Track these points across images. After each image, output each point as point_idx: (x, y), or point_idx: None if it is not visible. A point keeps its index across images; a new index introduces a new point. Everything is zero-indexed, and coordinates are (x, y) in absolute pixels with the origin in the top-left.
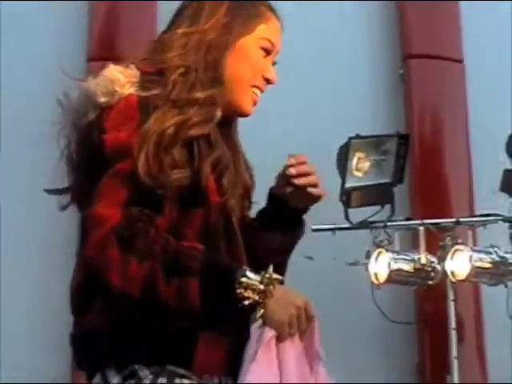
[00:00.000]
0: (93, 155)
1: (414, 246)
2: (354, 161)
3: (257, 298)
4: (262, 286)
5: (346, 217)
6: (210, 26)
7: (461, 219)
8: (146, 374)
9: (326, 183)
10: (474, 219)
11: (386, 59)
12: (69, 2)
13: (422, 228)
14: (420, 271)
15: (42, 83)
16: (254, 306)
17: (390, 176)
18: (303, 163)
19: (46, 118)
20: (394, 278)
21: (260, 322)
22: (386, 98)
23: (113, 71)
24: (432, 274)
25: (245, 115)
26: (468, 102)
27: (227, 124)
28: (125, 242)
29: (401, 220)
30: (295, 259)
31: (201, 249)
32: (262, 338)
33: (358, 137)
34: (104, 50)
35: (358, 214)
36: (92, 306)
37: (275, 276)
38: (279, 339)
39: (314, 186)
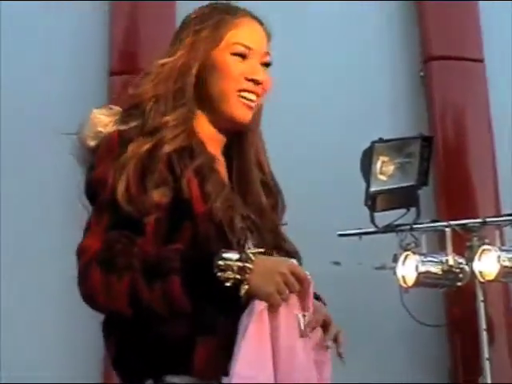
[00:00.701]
0: (88, 197)
1: (441, 248)
2: (378, 164)
3: (238, 276)
4: (240, 264)
5: (372, 221)
6: (180, 51)
7: (487, 219)
8: None
9: (350, 188)
10: (501, 218)
11: (407, 62)
12: (89, 17)
13: (448, 229)
14: (448, 273)
15: (62, 98)
16: (237, 284)
17: (414, 178)
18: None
19: (66, 130)
20: (422, 280)
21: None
22: (407, 100)
23: (96, 114)
24: (460, 275)
25: (241, 122)
26: (490, 102)
27: (236, 137)
28: (105, 264)
29: (427, 222)
30: (322, 265)
31: (178, 248)
32: (252, 311)
33: (381, 140)
34: (125, 64)
35: (384, 217)
36: (109, 336)
37: (253, 250)
38: (272, 309)
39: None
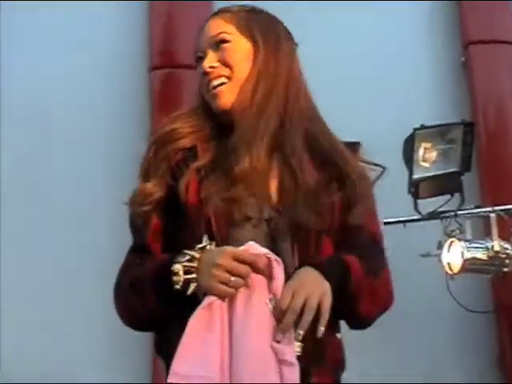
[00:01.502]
0: None
1: (487, 234)
2: (421, 151)
3: (187, 276)
4: (186, 264)
5: (416, 208)
6: None
7: None
8: None
9: (392, 175)
10: None
11: (448, 47)
12: (128, 13)
13: (493, 215)
14: (494, 259)
15: (105, 95)
16: (187, 284)
17: (457, 164)
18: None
19: (110, 129)
20: (468, 267)
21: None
22: (449, 86)
23: None
24: (506, 260)
25: (219, 109)
26: None
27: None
28: (115, 289)
29: (471, 208)
30: None
31: (155, 260)
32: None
33: (422, 127)
34: (165, 59)
35: (428, 204)
36: None
37: (199, 246)
38: (223, 298)
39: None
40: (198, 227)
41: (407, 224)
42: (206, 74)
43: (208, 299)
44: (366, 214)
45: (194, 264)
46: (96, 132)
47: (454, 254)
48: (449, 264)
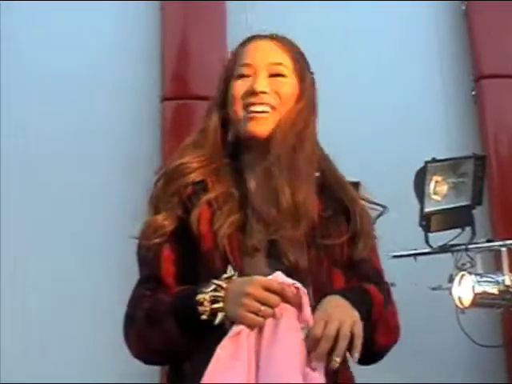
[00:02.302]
0: None
1: (497, 268)
2: (432, 185)
3: (215, 306)
4: (212, 293)
5: (427, 241)
6: (217, 88)
7: None
8: None
9: (404, 208)
10: None
11: (458, 81)
12: (142, 43)
13: (504, 249)
14: (505, 293)
15: (119, 125)
16: (214, 314)
17: (468, 198)
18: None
19: (123, 156)
20: (479, 301)
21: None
22: (460, 120)
23: None
24: None
25: (251, 134)
26: None
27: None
28: (125, 320)
29: (482, 242)
30: None
31: (172, 292)
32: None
33: (434, 160)
34: (177, 90)
35: (439, 237)
36: None
37: (225, 276)
38: (252, 327)
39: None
40: (212, 258)
41: (418, 257)
42: (253, 94)
43: (236, 328)
44: (369, 251)
45: (221, 294)
46: (107, 163)
47: (465, 288)
48: (459, 298)
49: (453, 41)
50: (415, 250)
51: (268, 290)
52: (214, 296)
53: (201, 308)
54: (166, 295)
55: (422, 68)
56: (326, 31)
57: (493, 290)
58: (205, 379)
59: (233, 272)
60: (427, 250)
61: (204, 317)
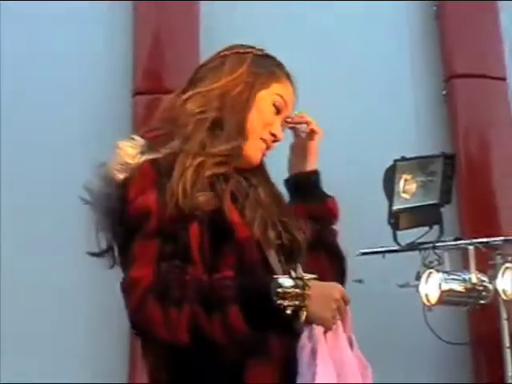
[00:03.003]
0: (123, 228)
1: (465, 266)
2: (401, 183)
3: (297, 302)
4: (298, 290)
5: (395, 239)
6: (232, 81)
7: (510, 237)
8: None
9: (373, 206)
10: None
11: (429, 81)
12: (114, 38)
13: (471, 247)
14: (471, 291)
15: (90, 120)
16: (296, 311)
17: (437, 197)
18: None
19: (96, 156)
20: (446, 298)
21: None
22: (430, 119)
23: (122, 147)
24: (483, 293)
25: (252, 162)
26: None
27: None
28: (161, 297)
29: (450, 240)
30: (346, 283)
31: (231, 276)
32: (313, 335)
33: (403, 159)
34: (150, 84)
35: (407, 235)
36: (148, 362)
37: (308, 276)
38: (326, 331)
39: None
40: (249, 246)
41: (386, 255)
42: (275, 138)
43: (320, 329)
44: None
45: (308, 292)
46: (79, 157)
47: (432, 286)
48: (426, 295)
49: (424, 41)
50: (383, 247)
51: (345, 299)
52: (294, 292)
53: (282, 302)
54: (222, 279)
55: (393, 67)
56: (296, 32)
57: (459, 287)
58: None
59: (302, 273)
60: (395, 247)
61: (288, 311)
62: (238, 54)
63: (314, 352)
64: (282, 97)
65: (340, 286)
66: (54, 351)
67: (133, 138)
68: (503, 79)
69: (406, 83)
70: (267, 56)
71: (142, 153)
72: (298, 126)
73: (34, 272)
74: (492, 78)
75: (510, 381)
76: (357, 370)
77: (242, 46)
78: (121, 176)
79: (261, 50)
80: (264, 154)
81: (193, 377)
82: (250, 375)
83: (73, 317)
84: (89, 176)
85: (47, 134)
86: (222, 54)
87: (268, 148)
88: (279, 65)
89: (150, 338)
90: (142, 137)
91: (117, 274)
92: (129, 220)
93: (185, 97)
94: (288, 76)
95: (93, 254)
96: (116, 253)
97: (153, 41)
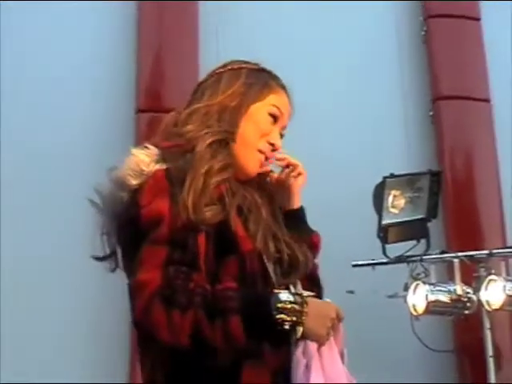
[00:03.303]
0: (132, 232)
1: (450, 278)
2: (390, 198)
3: (295, 318)
4: (297, 307)
5: (384, 252)
6: (229, 96)
7: (494, 251)
8: None
9: (363, 221)
10: (507, 250)
11: (418, 102)
12: (117, 57)
13: (456, 260)
14: (456, 302)
15: (93, 136)
16: (293, 326)
17: (424, 212)
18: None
19: (97, 167)
20: (432, 309)
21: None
22: (418, 138)
23: (137, 154)
24: (468, 304)
25: (250, 173)
26: (497, 139)
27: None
28: (167, 300)
29: (436, 253)
30: (338, 294)
31: (235, 287)
32: (307, 350)
33: (392, 176)
34: (151, 102)
35: (396, 248)
36: (146, 363)
37: (306, 293)
38: (319, 347)
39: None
40: (251, 259)
41: (376, 266)
42: (273, 147)
43: (314, 345)
44: None
45: (305, 309)
46: (81, 173)
47: (419, 296)
48: (414, 305)
49: (413, 64)
50: (373, 260)
51: (339, 317)
52: (293, 308)
53: (281, 316)
54: (226, 290)
55: (385, 89)
56: (291, 49)
57: (445, 298)
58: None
59: (300, 290)
60: (384, 260)
61: (286, 327)
62: (233, 70)
63: (308, 367)
64: (277, 107)
65: (334, 305)
66: (54, 351)
67: (147, 147)
68: (487, 101)
69: (396, 104)
70: (262, 70)
71: (156, 161)
72: (286, 169)
73: (34, 272)
74: (476, 99)
75: None
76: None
77: (236, 61)
78: (134, 182)
79: (255, 64)
80: (264, 164)
81: (189, 378)
82: (246, 377)
83: (73, 317)
84: (90, 187)
85: (51, 150)
86: (217, 71)
87: (267, 159)
88: (274, 77)
89: (152, 340)
90: (156, 146)
91: (117, 276)
92: (140, 225)
93: (187, 111)
94: (283, 87)
95: (96, 258)
96: (119, 256)
97: (155, 61)
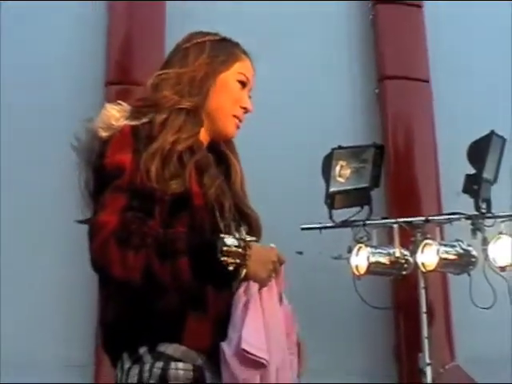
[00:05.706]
0: (98, 179)
1: (390, 242)
2: (337, 168)
3: (238, 261)
4: (241, 250)
5: (331, 217)
6: (197, 66)
7: (430, 217)
8: (147, 359)
9: (313, 188)
10: (441, 217)
11: (365, 81)
12: (86, 28)
13: (396, 225)
14: (395, 263)
15: (65, 108)
16: (237, 268)
17: (368, 181)
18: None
19: (67, 142)
20: (373, 269)
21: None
22: (364, 114)
23: (109, 108)
24: (405, 265)
25: (229, 137)
26: (435, 116)
27: (218, 147)
28: (122, 241)
29: (378, 219)
30: (288, 254)
31: (183, 231)
32: (248, 290)
33: (340, 148)
34: (120, 75)
35: (341, 214)
36: (101, 301)
37: (249, 238)
38: (260, 288)
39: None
40: (202, 214)
41: (323, 230)
42: (245, 110)
43: (254, 286)
44: None
45: (248, 252)
46: (53, 142)
47: (361, 258)
48: (356, 266)
49: (361, 46)
50: (321, 223)
51: (280, 261)
52: (237, 252)
53: (226, 259)
54: (177, 233)
55: (335, 69)
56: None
57: (385, 260)
58: (247, 326)
59: (245, 235)
60: (331, 224)
61: (230, 268)
62: (198, 43)
63: (246, 304)
64: (243, 74)
65: (276, 249)
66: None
67: (120, 103)
68: (426, 81)
69: (346, 84)
70: (223, 39)
71: (126, 118)
72: None
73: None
74: (416, 79)
75: (424, 341)
76: (281, 321)
77: (199, 34)
78: (104, 134)
79: (216, 34)
80: (239, 126)
81: (136, 319)
82: (189, 324)
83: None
84: (63, 159)
85: (23, 124)
86: (183, 46)
87: (241, 121)
88: (236, 45)
89: (106, 277)
90: (129, 105)
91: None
92: (104, 173)
93: (161, 76)
94: (245, 53)
95: (80, 222)
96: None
97: (124, 38)
